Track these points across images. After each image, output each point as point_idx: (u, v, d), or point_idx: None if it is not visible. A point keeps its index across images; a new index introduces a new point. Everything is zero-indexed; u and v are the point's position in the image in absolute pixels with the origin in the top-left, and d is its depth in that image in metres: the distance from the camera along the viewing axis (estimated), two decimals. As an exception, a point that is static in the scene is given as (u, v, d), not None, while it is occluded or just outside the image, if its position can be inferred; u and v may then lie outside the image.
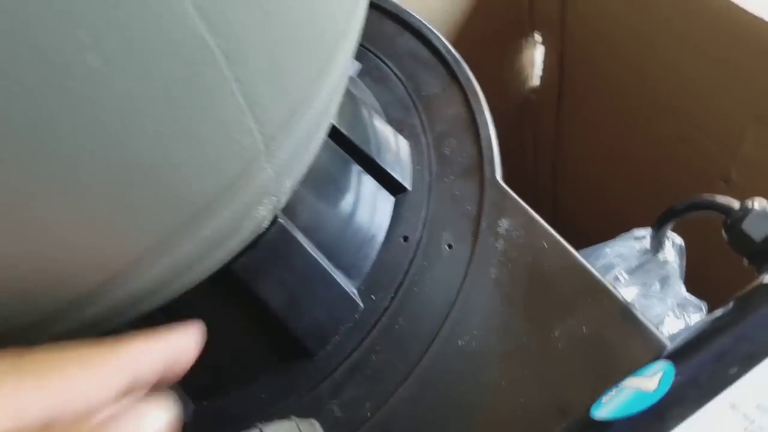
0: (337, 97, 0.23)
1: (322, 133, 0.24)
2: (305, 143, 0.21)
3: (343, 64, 0.21)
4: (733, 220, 0.24)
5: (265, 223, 0.23)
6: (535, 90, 0.65)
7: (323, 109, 0.21)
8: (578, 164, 0.66)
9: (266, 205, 0.21)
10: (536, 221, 0.30)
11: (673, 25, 0.44)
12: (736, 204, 0.24)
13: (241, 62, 0.14)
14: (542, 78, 0.64)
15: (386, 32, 0.40)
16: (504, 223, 0.31)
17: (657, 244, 0.30)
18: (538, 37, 0.61)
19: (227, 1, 0.13)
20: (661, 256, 0.31)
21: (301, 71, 0.17)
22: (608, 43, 0.52)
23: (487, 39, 0.60)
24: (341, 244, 0.31)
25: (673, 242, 0.31)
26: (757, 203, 0.24)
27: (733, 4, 0.37)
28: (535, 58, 0.63)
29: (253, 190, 0.18)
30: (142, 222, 0.14)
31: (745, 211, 0.23)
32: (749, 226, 0.23)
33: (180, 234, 0.16)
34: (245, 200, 0.17)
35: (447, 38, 0.39)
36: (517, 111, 0.67)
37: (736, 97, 0.42)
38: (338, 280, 0.29)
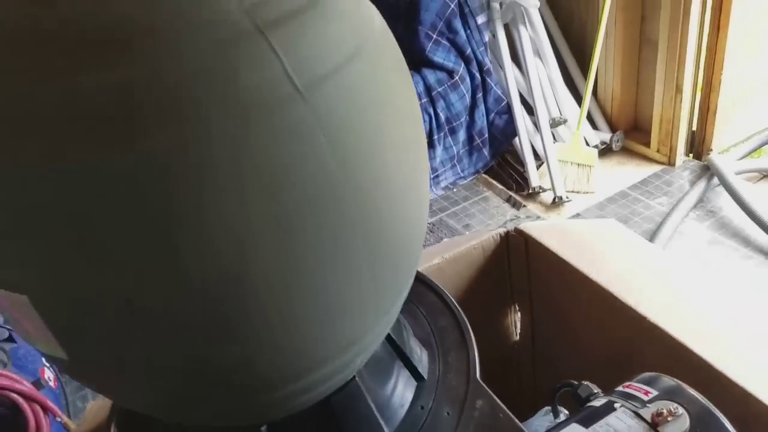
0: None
1: (387, 330, 0.48)
2: (386, 329, 0.45)
3: (409, 287, 0.46)
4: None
5: (351, 376, 0.47)
6: (516, 342, 0.90)
7: (395, 312, 0.46)
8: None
9: (362, 358, 0.45)
10: (496, 403, 0.53)
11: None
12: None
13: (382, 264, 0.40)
14: (520, 333, 0.89)
15: (418, 290, 0.67)
16: (479, 403, 0.53)
17: (554, 414, 0.51)
18: (516, 306, 0.88)
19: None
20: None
21: (402, 275, 0.43)
22: (561, 305, 0.79)
23: (483, 304, 0.87)
24: (385, 405, 0.53)
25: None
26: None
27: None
28: (515, 319, 0.89)
29: (368, 342, 0.42)
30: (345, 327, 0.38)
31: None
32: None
33: (350, 345, 0.40)
34: (366, 343, 0.42)
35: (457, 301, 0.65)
36: (507, 353, 0.91)
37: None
38: (384, 426, 0.51)
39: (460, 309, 0.64)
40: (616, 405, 0.36)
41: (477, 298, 0.84)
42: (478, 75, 1.93)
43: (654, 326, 0.62)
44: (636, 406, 0.35)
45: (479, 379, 0.55)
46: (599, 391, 0.41)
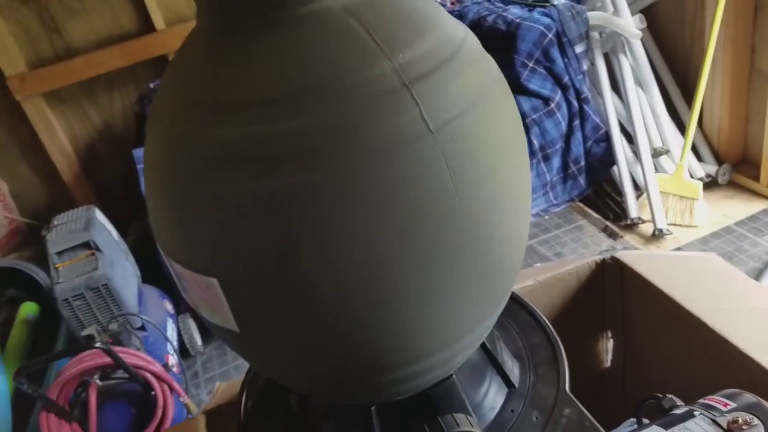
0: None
1: (483, 337, 0.55)
2: (482, 336, 0.52)
3: (505, 301, 0.53)
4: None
5: (450, 372, 0.53)
6: (607, 368, 0.93)
7: (491, 323, 0.52)
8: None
9: (461, 358, 0.51)
10: (583, 413, 0.57)
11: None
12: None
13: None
14: (612, 360, 0.92)
15: (511, 308, 0.73)
16: (566, 411, 0.58)
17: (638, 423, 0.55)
18: (609, 333, 0.91)
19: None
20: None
21: (500, 290, 0.49)
22: (656, 335, 0.81)
23: (575, 329, 0.90)
24: (478, 404, 0.59)
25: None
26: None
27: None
28: (607, 346, 0.92)
29: (466, 344, 0.49)
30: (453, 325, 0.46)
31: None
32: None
33: (450, 344, 0.47)
34: (464, 345, 0.48)
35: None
36: (598, 378, 0.94)
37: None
38: (475, 420, 0.57)
39: (552, 327, 0.69)
40: (696, 413, 0.41)
41: (569, 322, 0.88)
42: (575, 103, 1.95)
43: (755, 364, 0.63)
44: (714, 415, 0.40)
45: (568, 391, 0.60)
46: (682, 403, 0.45)
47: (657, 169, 1.91)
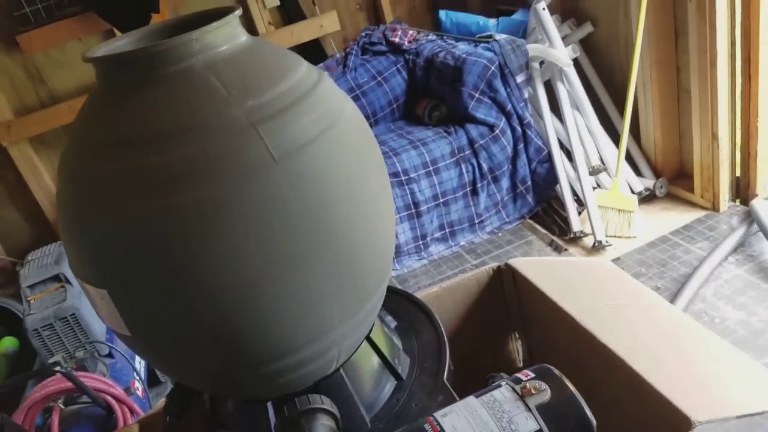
0: (366, 329, 0.64)
1: (357, 331, 0.64)
2: (355, 330, 0.61)
3: (378, 302, 0.62)
4: None
5: (334, 366, 0.62)
6: (519, 368, 1.02)
7: (363, 319, 0.61)
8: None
9: (334, 351, 0.60)
10: (453, 397, 0.66)
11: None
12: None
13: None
14: (523, 360, 1.01)
15: (411, 309, 0.82)
16: (440, 398, 0.67)
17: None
18: (516, 335, 1.00)
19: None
20: None
21: (362, 291, 0.58)
22: (548, 335, 0.91)
23: (485, 331, 0.99)
24: (367, 395, 0.68)
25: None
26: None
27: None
28: (517, 346, 1.01)
29: (338, 336, 0.58)
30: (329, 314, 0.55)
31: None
32: None
33: (319, 337, 0.56)
34: (336, 338, 0.58)
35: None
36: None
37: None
38: (363, 409, 0.65)
39: (441, 325, 0.78)
40: (502, 383, 0.50)
41: (477, 325, 0.98)
42: (518, 128, 2.07)
43: (608, 350, 0.72)
44: (514, 383, 0.49)
45: (445, 381, 0.69)
46: (503, 377, 0.55)
47: (598, 185, 2.03)
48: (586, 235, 1.95)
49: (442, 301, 0.92)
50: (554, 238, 2.02)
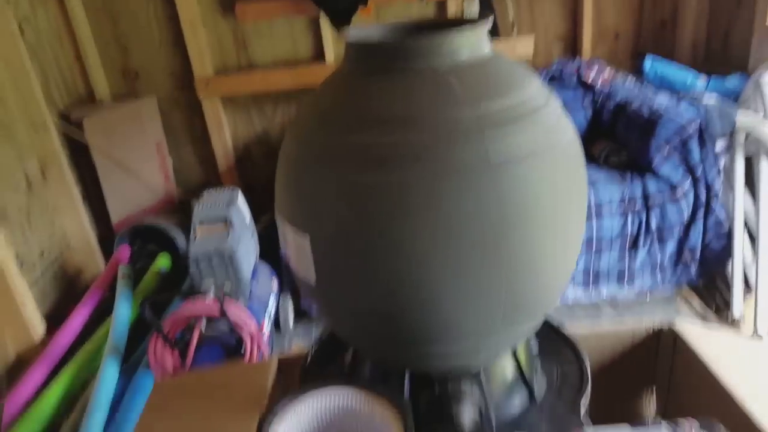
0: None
1: (507, 345, 0.65)
2: (505, 342, 0.63)
3: (537, 324, 0.63)
4: None
5: (477, 366, 0.64)
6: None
7: (516, 335, 0.63)
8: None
9: (483, 354, 0.62)
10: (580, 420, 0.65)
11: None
12: None
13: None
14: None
15: (557, 341, 0.81)
16: (572, 425, 0.66)
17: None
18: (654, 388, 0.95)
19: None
20: None
21: (526, 309, 0.60)
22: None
23: (620, 385, 0.96)
24: (498, 404, 0.69)
25: None
26: None
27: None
28: (651, 399, 0.96)
29: (489, 344, 0.60)
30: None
31: None
32: None
33: (474, 338, 0.58)
34: (488, 344, 0.59)
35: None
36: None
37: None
38: (491, 414, 0.67)
39: (587, 360, 0.77)
40: (662, 423, 0.49)
41: (617, 375, 0.94)
42: (703, 196, 1.93)
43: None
44: (676, 425, 0.48)
45: (581, 411, 0.68)
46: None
47: (775, 276, 1.84)
48: (744, 323, 1.78)
49: (589, 343, 0.90)
50: (709, 315, 1.86)
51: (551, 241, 0.57)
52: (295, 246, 0.60)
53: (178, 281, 1.97)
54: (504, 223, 0.53)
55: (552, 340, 0.83)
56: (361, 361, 0.74)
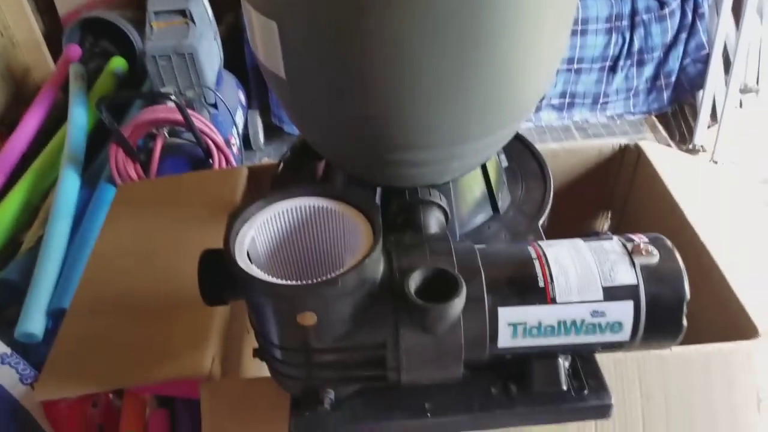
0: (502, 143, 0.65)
1: (482, 157, 0.65)
2: (481, 154, 0.62)
3: (519, 124, 0.62)
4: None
5: (447, 178, 0.64)
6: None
7: (491, 145, 0.62)
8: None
9: (455, 164, 0.62)
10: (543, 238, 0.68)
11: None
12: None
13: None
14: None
15: (525, 157, 0.82)
16: (530, 237, 0.69)
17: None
18: (609, 214, 1.00)
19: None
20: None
21: (503, 112, 0.58)
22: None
23: (580, 202, 0.99)
24: (463, 214, 0.70)
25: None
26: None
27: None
28: (604, 226, 1.01)
29: (464, 152, 0.59)
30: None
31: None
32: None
33: (449, 145, 0.57)
34: (462, 152, 0.59)
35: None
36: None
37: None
38: (456, 224, 0.69)
39: (552, 178, 0.78)
40: (613, 237, 0.51)
41: (577, 195, 0.97)
42: (690, 15, 1.86)
43: (709, 255, 0.71)
44: (626, 240, 0.50)
45: (540, 227, 0.71)
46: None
47: (741, 105, 1.86)
48: (704, 150, 1.83)
49: (557, 160, 0.91)
50: (672, 143, 1.91)
51: (535, 35, 0.54)
52: (263, 34, 0.55)
53: (136, 87, 1.87)
54: (486, 11, 0.49)
55: (520, 155, 0.83)
56: (334, 173, 0.74)
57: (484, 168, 0.71)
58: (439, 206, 0.59)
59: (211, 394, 0.57)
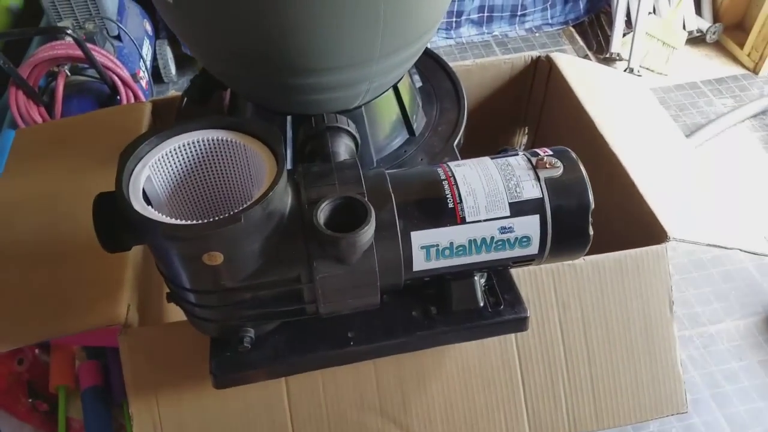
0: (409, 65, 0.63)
1: (390, 77, 0.63)
2: (388, 74, 0.60)
3: (428, 39, 0.60)
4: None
5: (358, 102, 0.62)
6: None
7: (399, 65, 0.60)
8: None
9: (364, 86, 0.60)
10: (457, 157, 0.68)
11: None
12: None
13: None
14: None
15: (439, 76, 0.81)
16: (445, 159, 0.69)
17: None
18: (525, 130, 1.01)
19: None
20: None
21: (407, 31, 0.56)
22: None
23: (497, 117, 1.00)
24: (379, 139, 0.69)
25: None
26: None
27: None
28: (522, 142, 1.03)
29: (372, 73, 0.57)
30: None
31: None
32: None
33: (356, 67, 0.55)
34: (370, 74, 0.57)
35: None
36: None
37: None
38: (372, 149, 0.67)
39: (465, 97, 0.78)
40: (519, 153, 0.52)
41: (494, 110, 0.98)
42: None
43: (618, 164, 0.73)
44: (531, 155, 0.51)
45: (455, 147, 0.71)
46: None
47: (654, 11, 1.89)
48: (622, 59, 1.87)
49: (471, 76, 0.90)
50: (589, 53, 1.93)
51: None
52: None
53: (33, 24, 1.71)
54: None
55: (434, 74, 0.82)
56: (241, 103, 0.70)
57: (396, 90, 0.70)
58: (348, 132, 0.58)
59: (129, 344, 0.55)
